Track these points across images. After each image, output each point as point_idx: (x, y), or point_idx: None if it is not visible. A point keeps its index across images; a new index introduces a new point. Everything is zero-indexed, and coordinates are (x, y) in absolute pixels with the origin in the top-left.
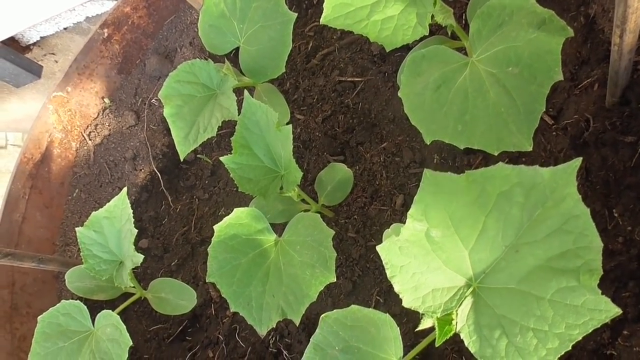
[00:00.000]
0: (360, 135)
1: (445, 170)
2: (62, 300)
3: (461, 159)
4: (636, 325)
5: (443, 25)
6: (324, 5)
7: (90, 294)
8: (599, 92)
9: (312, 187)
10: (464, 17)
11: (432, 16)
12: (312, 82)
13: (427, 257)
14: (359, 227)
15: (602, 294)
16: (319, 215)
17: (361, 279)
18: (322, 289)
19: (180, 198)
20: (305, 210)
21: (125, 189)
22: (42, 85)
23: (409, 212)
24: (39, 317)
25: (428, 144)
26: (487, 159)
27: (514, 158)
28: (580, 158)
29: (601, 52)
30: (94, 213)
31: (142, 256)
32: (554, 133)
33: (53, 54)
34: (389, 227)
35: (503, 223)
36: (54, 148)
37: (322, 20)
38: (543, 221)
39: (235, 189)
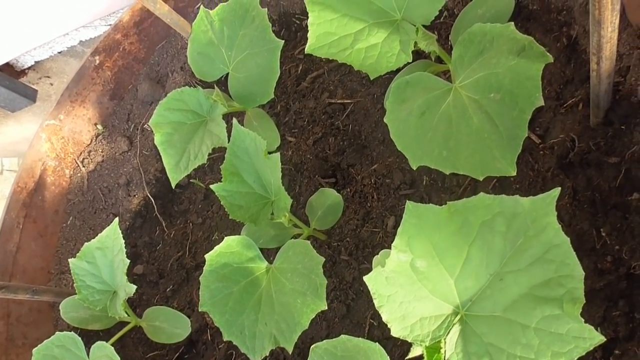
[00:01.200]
0: (350, 157)
1: (435, 191)
2: (57, 332)
3: (450, 180)
4: (627, 344)
5: (426, 52)
6: (308, 34)
7: (85, 324)
8: (583, 112)
9: (305, 210)
10: (450, 39)
11: (415, 43)
12: (302, 104)
13: (414, 287)
14: (352, 250)
15: (593, 313)
16: (309, 242)
17: (355, 302)
18: (313, 316)
19: (175, 223)
20: (298, 235)
21: (116, 219)
22: (38, 108)
23: (392, 244)
24: (33, 350)
25: (414, 169)
26: (475, 180)
27: (503, 178)
28: (559, 188)
29: (584, 72)
30: (86, 244)
31: (135, 287)
32: (541, 152)
33: (48, 77)
34: (381, 249)
35: (487, 252)
36: (47, 176)
37: (307, 50)
38: (525, 250)
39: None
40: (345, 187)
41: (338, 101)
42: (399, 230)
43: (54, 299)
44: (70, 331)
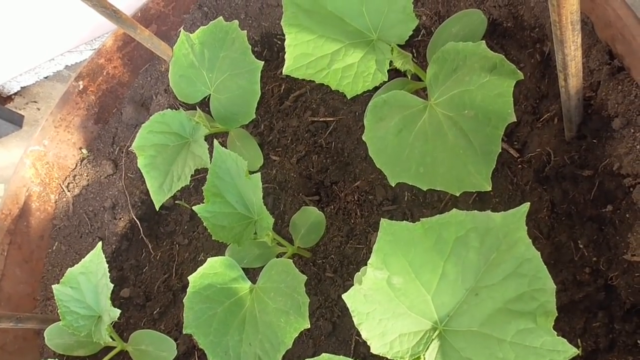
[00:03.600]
0: (334, 175)
1: (417, 206)
2: (42, 359)
3: (431, 196)
4: (608, 355)
5: (402, 71)
6: (286, 56)
7: (70, 350)
8: (558, 126)
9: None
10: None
11: (391, 62)
12: (286, 123)
13: (392, 304)
14: (337, 267)
15: (574, 325)
16: (291, 261)
17: (341, 320)
18: (297, 335)
19: (161, 245)
20: (282, 253)
21: (99, 244)
22: (25, 133)
23: (369, 261)
24: None
25: (393, 185)
26: (456, 195)
27: (483, 192)
28: (528, 203)
29: (557, 87)
30: (69, 269)
31: (119, 311)
32: (520, 166)
33: (35, 102)
34: (365, 265)
35: (462, 267)
36: (32, 202)
37: (285, 71)
38: (498, 265)
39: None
40: (329, 204)
41: (321, 119)
42: (375, 247)
43: (39, 326)
44: (56, 358)
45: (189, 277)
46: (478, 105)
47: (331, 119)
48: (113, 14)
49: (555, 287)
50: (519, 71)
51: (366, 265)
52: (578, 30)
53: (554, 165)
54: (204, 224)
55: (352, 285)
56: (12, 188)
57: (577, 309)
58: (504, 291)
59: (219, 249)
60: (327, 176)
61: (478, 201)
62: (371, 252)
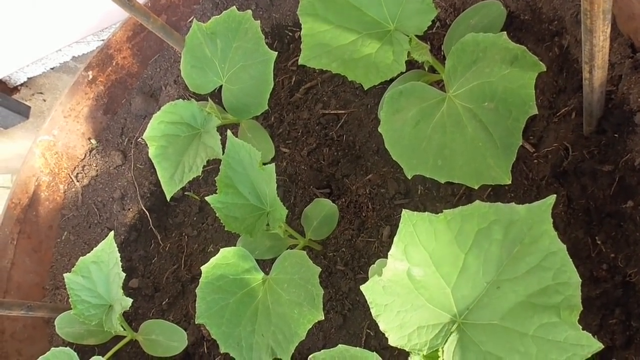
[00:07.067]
0: (345, 168)
1: (430, 200)
2: (52, 348)
3: (445, 189)
4: (624, 352)
5: (420, 62)
6: (302, 46)
7: (81, 339)
8: (576, 121)
9: (300, 221)
10: (442, 48)
11: (408, 53)
12: (296, 115)
13: (411, 295)
14: (348, 260)
15: (590, 321)
16: (305, 252)
17: (351, 313)
18: (310, 327)
19: (170, 236)
20: (293, 245)
21: (112, 233)
22: (31, 124)
23: (389, 253)
24: None
25: (409, 178)
26: (470, 189)
27: (497, 187)
28: (554, 195)
29: (576, 81)
30: (81, 258)
31: (131, 300)
32: (535, 161)
33: (41, 93)
34: (377, 259)
35: (483, 260)
36: (41, 191)
37: (301, 61)
38: (522, 258)
39: (223, 225)
40: (340, 197)
41: (332, 112)
42: (396, 238)
43: (49, 314)
44: (66, 347)
45: (201, 267)
46: (499, 97)
47: (342, 111)
48: (126, 1)
49: (580, 280)
50: (541, 63)
51: (378, 258)
52: (609, 20)
53: (572, 160)
54: (214, 216)
55: (364, 278)
56: (21, 177)
57: (593, 306)
58: (527, 284)
59: (228, 240)
60: (338, 169)
61: (493, 196)
62: (383, 245)
